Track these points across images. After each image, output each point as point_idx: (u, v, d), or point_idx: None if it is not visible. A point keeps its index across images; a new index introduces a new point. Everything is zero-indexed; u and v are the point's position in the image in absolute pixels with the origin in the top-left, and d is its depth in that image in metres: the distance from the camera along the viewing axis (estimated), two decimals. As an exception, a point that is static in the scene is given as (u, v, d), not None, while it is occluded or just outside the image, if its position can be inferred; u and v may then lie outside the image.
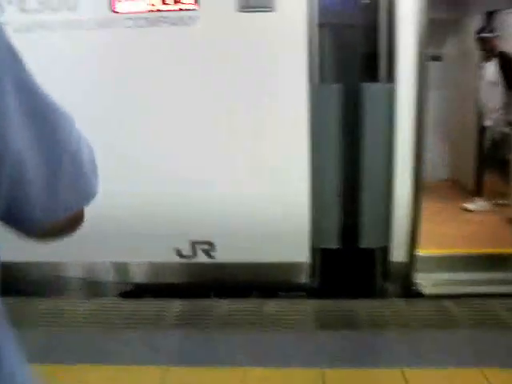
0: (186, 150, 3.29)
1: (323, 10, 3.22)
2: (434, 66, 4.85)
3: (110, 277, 3.57)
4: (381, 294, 3.48)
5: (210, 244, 3.35)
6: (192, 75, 3.22)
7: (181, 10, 3.12)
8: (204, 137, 3.28)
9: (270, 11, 3.13)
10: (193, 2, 3.11)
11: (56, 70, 3.15)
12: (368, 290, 3.49)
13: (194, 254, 3.37)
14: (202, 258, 3.39)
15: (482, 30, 5.08)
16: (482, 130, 5.12)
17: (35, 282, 3.46)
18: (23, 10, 3.15)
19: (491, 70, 4.95)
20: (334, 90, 3.24)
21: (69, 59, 3.20)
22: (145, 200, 3.27)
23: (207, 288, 3.52)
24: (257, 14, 3.14)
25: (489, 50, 4.98)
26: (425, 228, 3.45)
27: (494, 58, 4.94)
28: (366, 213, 3.36)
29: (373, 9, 3.29)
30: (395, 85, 3.20)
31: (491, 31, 5.02)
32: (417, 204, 3.35)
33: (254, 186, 3.32)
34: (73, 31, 3.16)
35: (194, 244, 3.35)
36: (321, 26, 3.23)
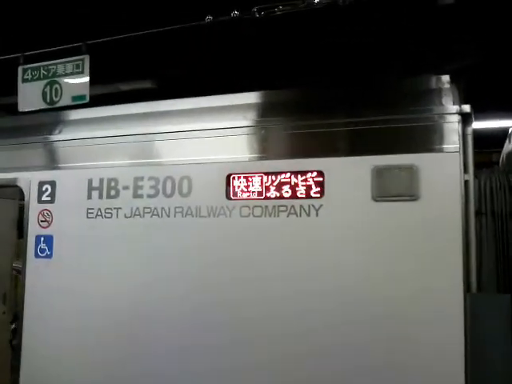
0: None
1: (484, 195, 2.57)
2: None
3: None
4: None
5: None
6: (315, 267, 2.70)
7: (304, 197, 2.69)
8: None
9: (412, 200, 2.55)
10: (318, 190, 2.66)
11: (166, 255, 2.93)
12: None
13: None
14: None
15: None
16: None
17: None
18: (137, 196, 2.96)
19: None
20: (501, 302, 2.46)
21: (180, 245, 2.91)
22: None
23: None
24: (396, 203, 2.58)
25: None
26: None
27: None
28: None
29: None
30: None
31: None
32: None
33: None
34: (185, 218, 2.88)
35: None
36: (479, 214, 2.56)
